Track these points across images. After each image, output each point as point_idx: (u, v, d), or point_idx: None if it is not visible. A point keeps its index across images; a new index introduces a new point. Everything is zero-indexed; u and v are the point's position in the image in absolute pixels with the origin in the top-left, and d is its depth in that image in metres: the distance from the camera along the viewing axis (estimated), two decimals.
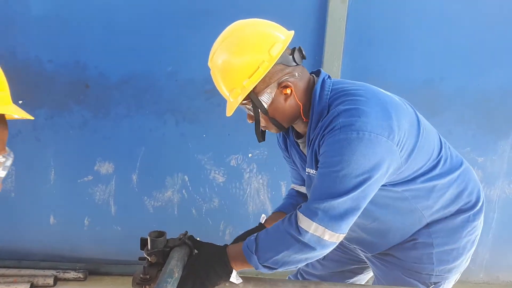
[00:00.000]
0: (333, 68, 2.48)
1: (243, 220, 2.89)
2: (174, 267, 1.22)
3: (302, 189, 1.65)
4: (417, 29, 2.52)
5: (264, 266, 1.26)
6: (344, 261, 1.74)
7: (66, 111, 2.64)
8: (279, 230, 1.26)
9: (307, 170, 1.37)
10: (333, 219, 1.19)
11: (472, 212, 1.44)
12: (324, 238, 1.20)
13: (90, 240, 2.96)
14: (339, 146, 1.17)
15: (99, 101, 2.66)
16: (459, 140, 2.70)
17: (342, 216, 1.19)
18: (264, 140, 1.42)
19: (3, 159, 0.73)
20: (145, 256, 1.36)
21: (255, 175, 2.85)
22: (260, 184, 2.88)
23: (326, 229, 1.19)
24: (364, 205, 1.22)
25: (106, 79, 2.62)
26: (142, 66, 2.60)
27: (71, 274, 2.89)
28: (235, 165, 2.82)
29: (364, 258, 1.65)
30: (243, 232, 1.57)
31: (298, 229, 1.21)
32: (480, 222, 1.49)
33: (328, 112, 1.25)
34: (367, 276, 1.81)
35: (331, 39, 2.46)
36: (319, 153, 1.26)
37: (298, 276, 1.87)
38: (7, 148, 0.75)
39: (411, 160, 1.27)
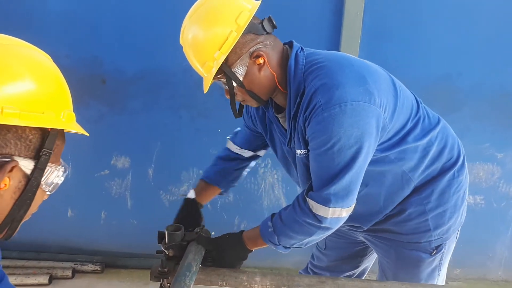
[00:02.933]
0: None
1: (257, 214, 2.89)
2: (192, 261, 1.23)
3: (244, 153, 1.69)
4: (434, 23, 2.48)
5: (286, 248, 1.37)
6: (344, 246, 1.74)
7: (82, 106, 2.67)
8: (295, 221, 1.30)
9: (297, 152, 1.36)
10: (344, 197, 1.25)
11: (455, 168, 1.44)
12: (342, 216, 1.28)
13: (107, 233, 3.00)
14: (325, 124, 1.18)
15: (115, 96, 2.69)
16: (477, 136, 2.65)
17: (351, 190, 1.26)
18: (240, 116, 1.42)
19: (62, 169, 0.80)
20: (163, 249, 1.38)
21: (270, 170, 2.85)
22: (275, 179, 2.88)
23: (342, 208, 1.26)
24: (364, 171, 1.27)
25: (123, 74, 2.64)
26: (157, 61, 2.62)
27: (89, 267, 2.94)
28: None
29: (363, 239, 1.65)
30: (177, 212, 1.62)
31: (316, 217, 1.26)
32: (465, 177, 1.49)
33: (304, 88, 1.26)
34: (374, 256, 1.79)
35: (348, 34, 2.43)
36: (305, 134, 1.27)
37: (309, 271, 1.87)
38: (61, 160, 0.81)
39: (394, 119, 1.28)
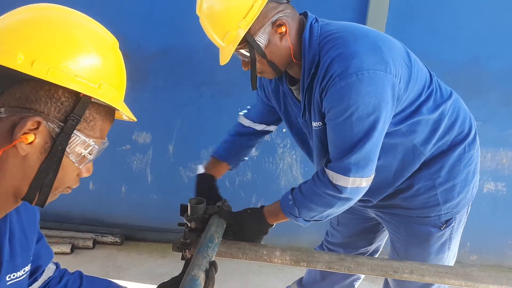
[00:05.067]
0: None
1: (275, 194, 2.89)
2: (214, 233, 1.26)
3: (256, 126, 1.70)
4: (464, 4, 2.40)
5: (306, 221, 1.37)
6: (355, 222, 1.75)
7: None
8: (315, 193, 1.31)
9: (313, 124, 1.36)
10: (365, 166, 1.25)
11: (466, 142, 1.42)
12: (362, 186, 1.28)
13: (127, 206, 3.08)
14: (343, 93, 1.18)
15: (138, 73, 2.71)
16: (504, 121, 2.60)
17: (371, 159, 1.26)
18: (257, 88, 1.41)
19: (92, 144, 0.78)
20: (185, 221, 1.40)
21: (288, 150, 2.86)
22: (293, 160, 2.88)
23: (362, 178, 1.26)
24: (381, 140, 1.26)
25: (145, 50, 2.66)
26: (180, 38, 2.62)
27: (109, 238, 3.03)
28: (269, 139, 2.83)
29: (374, 215, 1.65)
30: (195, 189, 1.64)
31: (336, 187, 1.27)
32: (476, 151, 1.47)
33: (319, 59, 1.25)
34: (387, 233, 1.78)
35: (374, 14, 2.38)
36: (322, 106, 1.27)
37: (324, 248, 1.88)
38: (106, 138, 0.82)
39: (409, 90, 1.27)
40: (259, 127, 1.70)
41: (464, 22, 2.44)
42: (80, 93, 0.73)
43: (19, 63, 0.67)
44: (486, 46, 2.48)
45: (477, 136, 1.48)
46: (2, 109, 0.69)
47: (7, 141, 0.69)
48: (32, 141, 0.70)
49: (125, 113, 0.80)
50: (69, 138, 0.74)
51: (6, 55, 0.67)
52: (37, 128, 0.70)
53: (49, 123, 0.71)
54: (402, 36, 2.44)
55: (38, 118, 0.70)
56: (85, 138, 0.76)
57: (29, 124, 0.69)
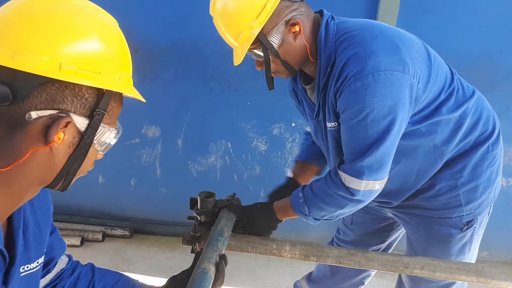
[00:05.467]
0: None
1: None
2: (224, 226, 1.26)
3: None
4: None
5: (316, 219, 1.36)
6: (370, 222, 1.73)
7: None
8: (327, 193, 1.29)
9: (327, 125, 1.34)
10: (378, 169, 1.23)
11: (490, 141, 1.39)
12: (375, 189, 1.26)
13: (136, 200, 3.10)
14: (358, 94, 1.15)
15: (147, 66, 2.71)
16: None
17: (385, 162, 1.24)
18: (274, 88, 1.39)
19: (115, 131, 0.82)
20: (195, 215, 1.40)
21: (297, 145, 2.85)
22: None
23: (375, 181, 1.24)
24: (397, 143, 1.24)
25: (155, 44, 2.66)
26: (189, 32, 2.62)
27: (118, 231, 3.05)
28: (278, 134, 2.83)
29: (391, 215, 1.63)
30: (274, 188, 1.63)
31: (348, 190, 1.25)
32: (499, 151, 1.44)
33: (335, 58, 1.22)
34: (402, 231, 1.77)
35: (385, 6, 2.36)
36: (336, 106, 1.24)
37: (334, 245, 1.87)
38: (117, 122, 0.84)
39: (428, 90, 1.24)
40: None
41: (476, 15, 2.40)
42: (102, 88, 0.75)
43: (46, 69, 0.68)
44: (498, 40, 2.45)
45: (500, 135, 1.44)
46: (32, 113, 0.70)
47: (38, 142, 0.72)
48: (60, 138, 0.73)
49: (139, 98, 0.84)
50: (96, 131, 0.77)
51: (31, 60, 0.68)
52: (66, 126, 0.73)
53: (76, 120, 0.74)
54: (413, 29, 2.40)
55: (68, 118, 0.72)
56: (108, 127, 0.80)
57: (61, 125, 0.72)
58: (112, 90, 0.76)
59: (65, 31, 0.71)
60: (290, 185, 1.63)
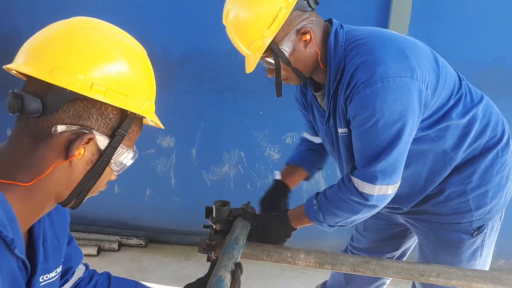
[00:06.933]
0: None
1: (296, 197, 2.84)
2: (239, 235, 1.27)
3: (314, 139, 1.68)
4: (488, 3, 2.36)
5: (331, 226, 1.38)
6: (383, 228, 1.73)
7: None
8: (341, 199, 1.31)
9: (339, 130, 1.36)
10: (391, 174, 1.24)
11: (499, 146, 1.39)
12: (388, 193, 1.27)
13: (151, 209, 3.13)
14: (368, 100, 1.18)
15: (162, 77, 2.71)
16: None
17: (397, 167, 1.25)
18: (282, 95, 1.40)
19: (132, 153, 0.86)
20: (210, 224, 1.42)
21: None
22: None
23: (389, 186, 1.25)
24: (408, 148, 1.25)
25: (169, 55, 2.71)
26: (202, 43, 2.66)
27: (134, 241, 3.08)
28: (290, 142, 2.84)
29: (403, 221, 1.63)
30: (264, 194, 1.64)
31: (362, 195, 1.26)
32: (510, 156, 1.43)
33: (345, 65, 1.25)
34: (414, 238, 1.75)
35: (397, 13, 2.36)
36: (347, 113, 1.26)
37: (348, 252, 1.87)
38: (134, 146, 0.88)
39: (436, 95, 1.26)
40: (317, 140, 1.67)
41: (489, 21, 2.39)
42: (126, 110, 0.79)
43: (79, 86, 0.73)
44: (511, 47, 2.43)
45: (510, 140, 1.44)
46: (58, 127, 0.74)
47: (60, 155, 0.76)
48: (80, 153, 0.77)
49: (159, 125, 0.87)
50: (115, 150, 0.81)
51: (67, 77, 0.72)
52: (87, 143, 0.77)
53: (98, 138, 0.78)
54: (425, 36, 2.43)
55: (90, 135, 0.76)
56: (126, 148, 0.83)
57: (83, 141, 0.75)
58: (135, 112, 0.80)
59: (99, 54, 0.76)
60: (279, 188, 1.65)
